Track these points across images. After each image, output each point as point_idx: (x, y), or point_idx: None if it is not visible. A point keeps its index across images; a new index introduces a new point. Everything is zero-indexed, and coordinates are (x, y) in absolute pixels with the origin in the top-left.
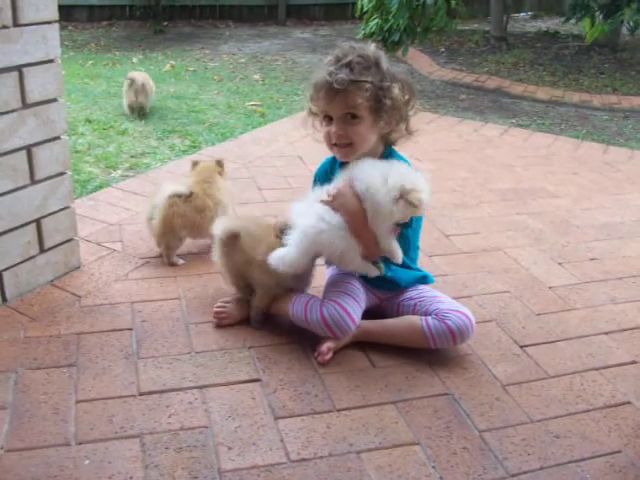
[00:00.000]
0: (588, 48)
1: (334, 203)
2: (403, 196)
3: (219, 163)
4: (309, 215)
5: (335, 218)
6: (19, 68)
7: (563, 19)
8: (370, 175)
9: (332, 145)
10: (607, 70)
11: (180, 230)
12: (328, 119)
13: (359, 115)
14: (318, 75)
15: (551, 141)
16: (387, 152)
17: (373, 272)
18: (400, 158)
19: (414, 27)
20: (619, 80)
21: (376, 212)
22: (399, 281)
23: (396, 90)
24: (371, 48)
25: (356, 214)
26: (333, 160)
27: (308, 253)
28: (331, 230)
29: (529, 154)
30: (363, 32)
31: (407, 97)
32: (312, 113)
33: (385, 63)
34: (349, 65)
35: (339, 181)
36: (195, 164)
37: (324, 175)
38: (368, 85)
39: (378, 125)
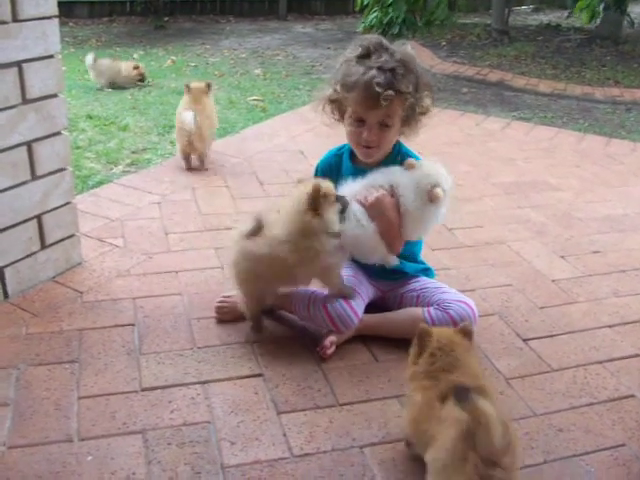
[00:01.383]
0: (590, 40)
1: (371, 211)
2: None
3: (208, 85)
4: (349, 215)
5: (370, 224)
6: (19, 64)
7: (566, 13)
8: (419, 192)
9: (358, 145)
10: (609, 63)
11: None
12: (359, 120)
13: (392, 123)
14: (350, 71)
15: (553, 134)
16: (397, 146)
17: (394, 262)
18: (407, 151)
19: (414, 20)
20: (621, 72)
21: (423, 223)
22: (402, 271)
23: (427, 99)
24: (408, 50)
25: (392, 224)
26: (339, 156)
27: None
28: (366, 234)
29: (531, 147)
30: (363, 25)
31: (431, 103)
32: (332, 101)
33: (419, 67)
34: (393, 72)
35: (375, 183)
36: (188, 87)
37: (328, 170)
38: (410, 99)
39: (403, 130)
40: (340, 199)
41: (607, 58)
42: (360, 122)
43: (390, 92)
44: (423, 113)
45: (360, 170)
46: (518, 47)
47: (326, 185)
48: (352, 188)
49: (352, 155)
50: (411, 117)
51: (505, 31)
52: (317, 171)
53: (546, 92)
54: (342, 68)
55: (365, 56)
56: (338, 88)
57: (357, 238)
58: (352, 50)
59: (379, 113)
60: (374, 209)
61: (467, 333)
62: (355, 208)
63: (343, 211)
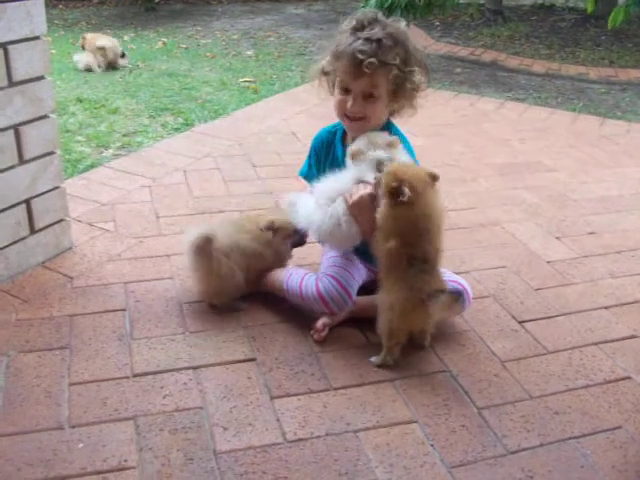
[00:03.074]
0: (584, 20)
1: (354, 209)
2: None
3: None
4: (331, 213)
5: (350, 225)
6: (4, 45)
7: None
8: None
9: (342, 116)
10: (604, 42)
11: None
12: (345, 89)
13: (378, 94)
14: (341, 41)
15: (547, 114)
16: (388, 124)
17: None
18: (397, 131)
19: (416, 2)
20: (616, 52)
21: None
22: None
23: (417, 75)
24: (401, 26)
25: (371, 220)
26: (332, 133)
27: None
28: (343, 233)
29: (525, 128)
30: (363, 9)
31: (423, 80)
32: (324, 73)
33: (411, 44)
34: (379, 43)
35: (363, 175)
36: (84, 38)
37: (320, 146)
38: (395, 70)
39: (392, 105)
40: (297, 233)
41: (602, 38)
42: (346, 91)
43: (372, 60)
44: (414, 89)
45: None
46: (512, 27)
47: (282, 220)
48: (339, 182)
49: (343, 137)
50: (399, 92)
51: (499, 11)
52: (312, 147)
53: (540, 72)
54: (336, 39)
55: (359, 29)
56: (329, 58)
57: (333, 234)
58: (348, 22)
59: (363, 82)
60: (356, 207)
61: (433, 176)
62: (338, 207)
63: (299, 244)
